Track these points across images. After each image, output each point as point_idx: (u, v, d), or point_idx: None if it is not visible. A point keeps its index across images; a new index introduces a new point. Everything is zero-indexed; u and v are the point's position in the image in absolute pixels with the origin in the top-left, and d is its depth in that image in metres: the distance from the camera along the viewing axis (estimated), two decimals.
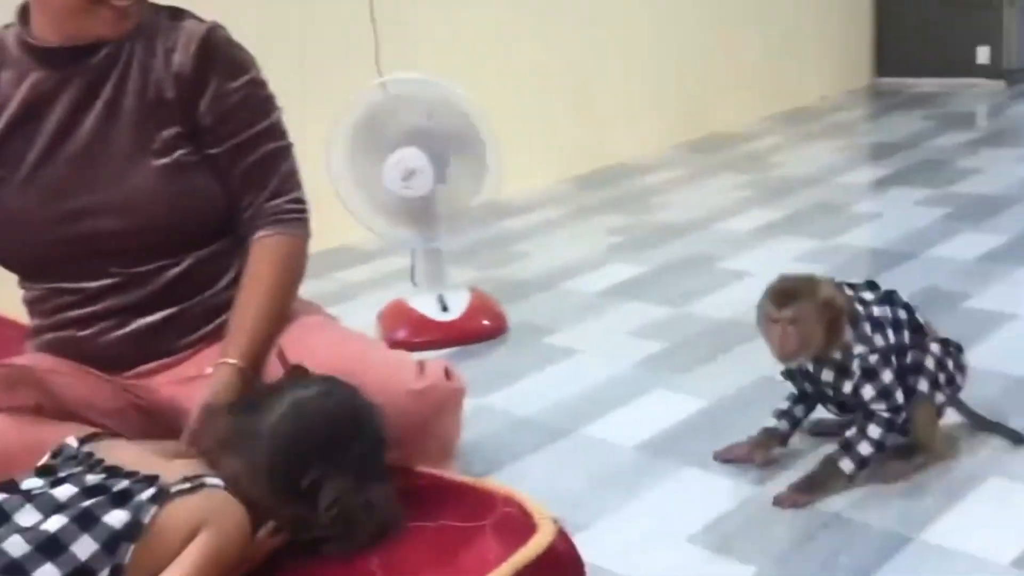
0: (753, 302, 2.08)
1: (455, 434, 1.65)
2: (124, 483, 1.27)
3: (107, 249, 1.60)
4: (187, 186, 1.61)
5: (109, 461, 1.33)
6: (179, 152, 1.60)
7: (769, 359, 2.09)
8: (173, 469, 1.33)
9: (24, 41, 1.61)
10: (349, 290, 3.56)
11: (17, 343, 2.08)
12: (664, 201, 4.43)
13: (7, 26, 1.66)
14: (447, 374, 1.61)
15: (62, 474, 1.31)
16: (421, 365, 1.59)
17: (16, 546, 1.19)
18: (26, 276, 1.70)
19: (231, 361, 1.52)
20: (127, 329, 1.64)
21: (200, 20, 1.64)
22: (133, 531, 1.22)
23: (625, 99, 5.13)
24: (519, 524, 1.37)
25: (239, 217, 1.65)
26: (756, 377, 2.58)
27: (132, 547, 1.22)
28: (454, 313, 3.10)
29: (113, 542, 1.21)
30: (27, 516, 1.23)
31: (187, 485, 1.29)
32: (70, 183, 1.59)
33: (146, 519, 1.23)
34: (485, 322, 3.12)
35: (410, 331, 3.06)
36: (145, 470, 1.31)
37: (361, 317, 3.10)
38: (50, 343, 1.68)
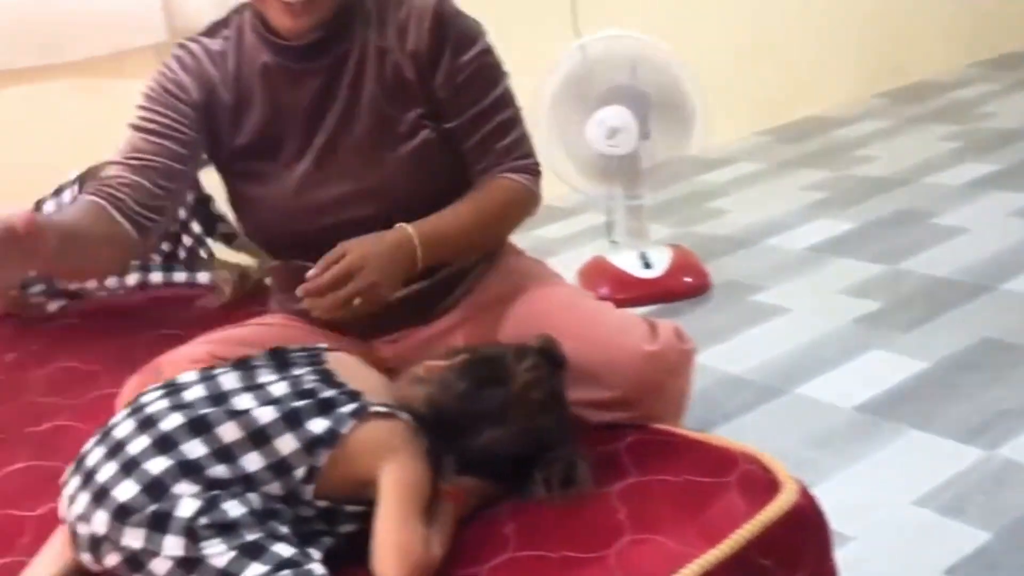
0: (971, 260, 1.99)
1: (685, 395, 1.64)
2: (331, 392, 1.35)
3: (357, 233, 1.61)
4: (433, 166, 1.63)
5: (330, 366, 1.41)
6: (423, 133, 1.61)
7: (992, 320, 2.00)
8: (377, 392, 1.40)
9: (260, 32, 1.62)
10: (546, 246, 3.59)
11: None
12: (867, 154, 4.28)
13: (240, 9, 1.67)
14: (678, 336, 1.60)
15: (293, 372, 1.39)
16: (652, 326, 1.59)
17: (229, 431, 1.29)
18: (273, 254, 1.79)
19: (407, 227, 1.53)
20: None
21: None
22: (331, 439, 1.30)
23: (821, 48, 4.95)
24: (763, 482, 1.37)
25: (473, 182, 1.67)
26: (977, 339, 2.48)
27: (329, 453, 1.30)
28: (656, 270, 3.10)
29: (312, 445, 1.30)
30: (243, 401, 1.33)
31: (384, 409, 1.35)
32: (321, 175, 1.63)
33: (344, 430, 1.31)
34: (688, 279, 3.10)
35: (612, 288, 3.07)
36: (354, 384, 1.37)
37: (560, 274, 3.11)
38: (295, 310, 1.74)
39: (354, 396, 1.35)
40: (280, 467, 1.29)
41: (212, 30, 1.68)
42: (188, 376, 1.40)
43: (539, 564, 1.28)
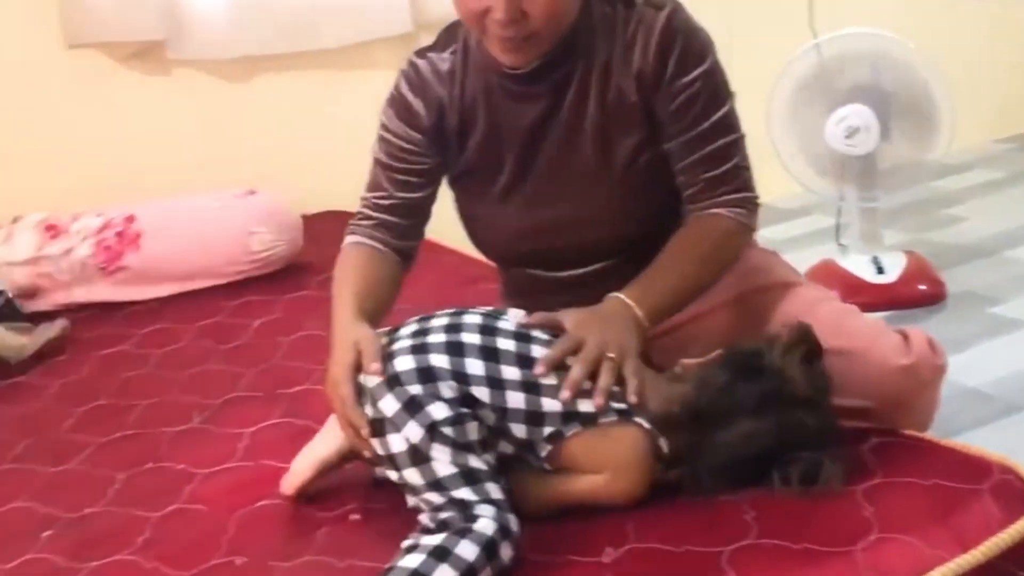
0: None
1: (934, 409, 1.58)
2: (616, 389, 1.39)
3: (576, 255, 1.66)
4: (652, 192, 1.60)
5: None
6: (643, 157, 1.58)
7: None
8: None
9: (485, 51, 1.55)
10: (771, 247, 3.52)
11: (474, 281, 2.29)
12: None
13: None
14: (932, 348, 1.54)
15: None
16: (904, 336, 1.54)
17: (511, 371, 1.38)
18: (499, 265, 1.83)
19: (623, 298, 1.48)
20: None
21: (655, 4, 1.54)
22: (588, 421, 1.38)
23: None
24: (1020, 492, 1.32)
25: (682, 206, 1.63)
26: None
27: (577, 429, 1.38)
28: (890, 276, 2.99)
29: (569, 417, 1.38)
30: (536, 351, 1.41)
31: (647, 426, 1.38)
32: (541, 197, 1.63)
33: (603, 421, 1.38)
34: (922, 287, 2.99)
35: (842, 292, 2.92)
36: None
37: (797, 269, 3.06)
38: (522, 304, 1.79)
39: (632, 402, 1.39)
40: (534, 417, 1.36)
41: (442, 42, 1.64)
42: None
43: (780, 553, 1.28)
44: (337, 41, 3.19)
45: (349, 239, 1.68)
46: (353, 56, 3.25)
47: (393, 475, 1.36)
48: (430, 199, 1.69)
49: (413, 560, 1.24)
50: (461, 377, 1.36)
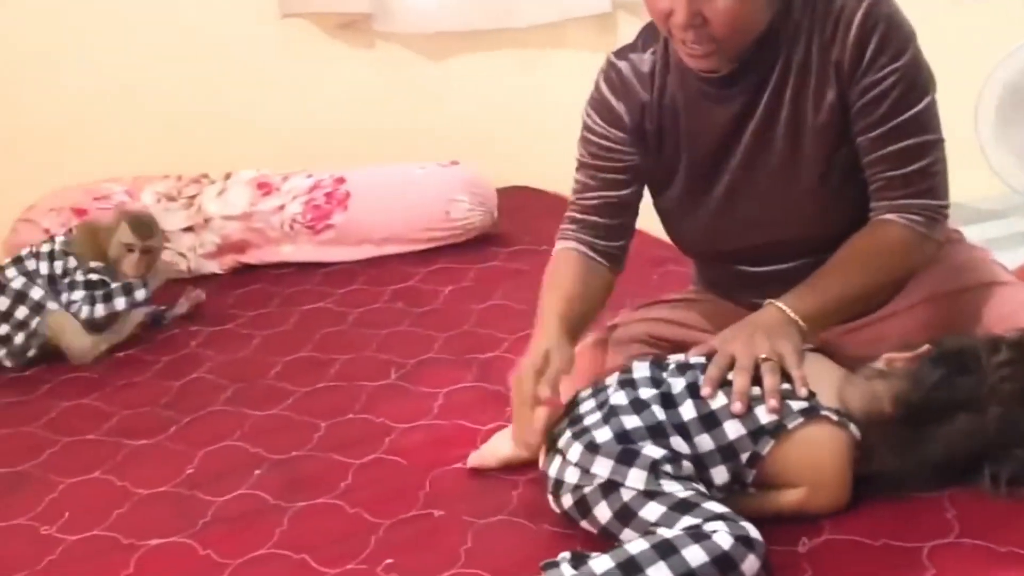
0: None
1: None
2: (786, 385, 1.37)
3: (770, 253, 1.63)
4: (846, 191, 1.54)
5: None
6: (837, 155, 1.52)
7: None
8: (834, 388, 1.41)
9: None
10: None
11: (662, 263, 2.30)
12: None
13: None
14: None
15: None
16: None
17: (688, 409, 1.38)
18: (694, 258, 1.82)
19: (777, 304, 1.46)
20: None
21: None
22: (776, 431, 1.35)
23: None
24: None
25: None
26: None
27: (772, 444, 1.34)
28: None
29: (758, 434, 1.35)
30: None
31: (836, 417, 1.35)
32: (734, 196, 1.59)
33: (790, 425, 1.34)
34: None
35: None
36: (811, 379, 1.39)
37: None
38: (720, 295, 1.77)
39: (807, 394, 1.38)
40: (727, 452, 1.36)
41: (642, 42, 1.61)
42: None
43: (983, 554, 1.25)
44: (536, 19, 3.25)
45: (559, 245, 1.69)
46: (549, 35, 3.30)
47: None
48: (636, 196, 1.68)
49: (636, 545, 1.26)
50: (655, 430, 1.37)
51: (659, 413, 1.39)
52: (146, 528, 1.59)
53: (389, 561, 1.43)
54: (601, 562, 1.25)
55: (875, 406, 1.38)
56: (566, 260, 1.65)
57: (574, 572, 1.24)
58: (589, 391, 1.49)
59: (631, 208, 1.68)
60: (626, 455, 1.35)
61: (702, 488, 1.35)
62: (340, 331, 2.31)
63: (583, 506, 1.38)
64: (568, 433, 1.42)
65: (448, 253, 2.70)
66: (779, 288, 1.53)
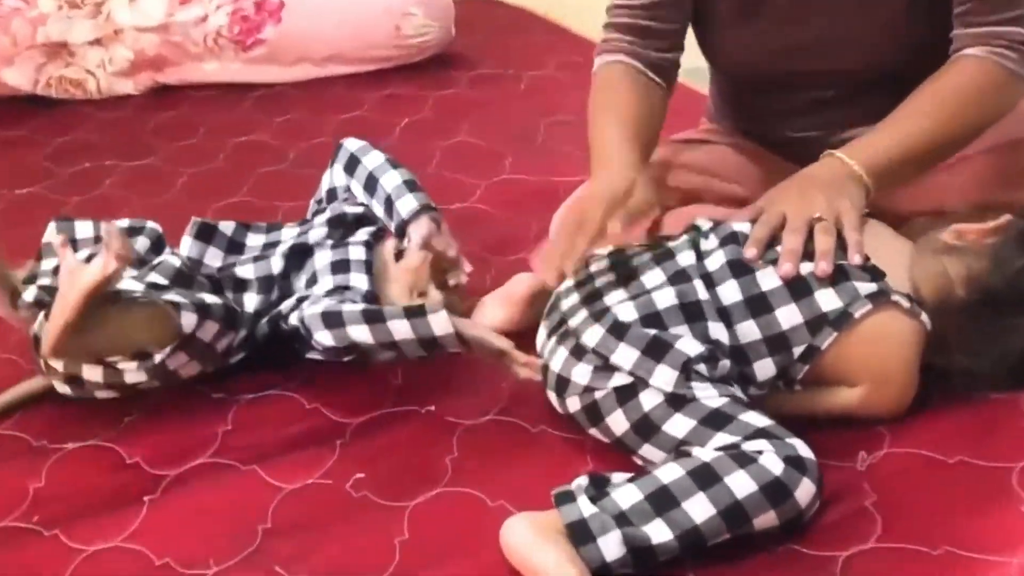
0: None
1: None
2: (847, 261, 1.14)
3: (823, 80, 1.39)
4: (932, 22, 1.31)
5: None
6: None
7: None
8: (899, 267, 1.17)
9: None
10: None
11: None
12: None
13: None
14: None
15: None
16: None
17: (731, 290, 1.16)
18: (730, 87, 1.55)
19: (838, 155, 1.25)
20: (836, 139, 1.44)
21: None
22: (840, 321, 1.12)
23: None
24: None
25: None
26: None
27: (835, 335, 1.12)
28: None
29: (818, 323, 1.12)
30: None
31: (907, 304, 1.12)
32: (789, 14, 1.35)
33: (857, 313, 1.12)
34: None
35: None
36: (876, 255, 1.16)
37: None
38: (743, 129, 1.53)
39: (876, 274, 1.14)
40: (777, 342, 1.13)
41: None
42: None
43: None
44: None
45: (604, 59, 1.42)
46: None
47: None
48: (683, 5, 1.40)
49: (668, 472, 1.02)
50: (690, 311, 1.14)
51: (700, 289, 1.14)
52: None
53: (359, 475, 1.18)
54: (626, 493, 1.02)
55: (945, 288, 1.15)
56: (618, 77, 1.39)
57: (595, 510, 1.00)
58: (605, 257, 1.24)
59: (684, 8, 1.40)
60: (655, 346, 1.10)
61: (738, 392, 1.12)
62: (280, 172, 2.00)
63: (593, 412, 1.14)
64: (582, 311, 1.16)
65: (400, 77, 2.37)
66: (821, 125, 1.39)
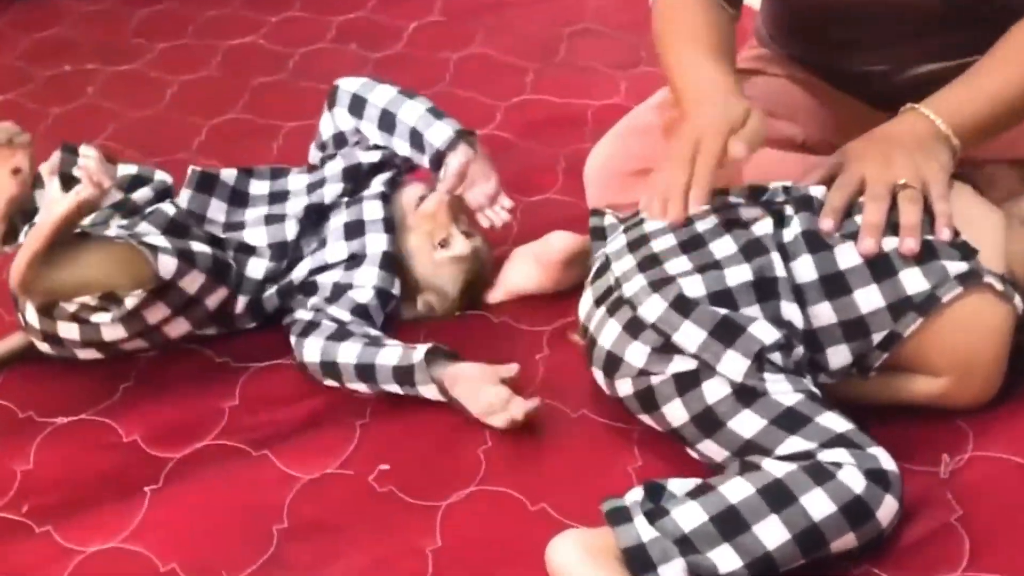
0: None
1: None
2: (934, 237, 1.01)
3: (893, 13, 1.23)
4: None
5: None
6: None
7: None
8: (992, 241, 1.04)
9: None
10: None
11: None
12: None
13: None
14: None
15: None
16: None
17: (805, 267, 1.03)
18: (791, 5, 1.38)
19: (921, 109, 1.11)
20: (903, 76, 1.29)
21: None
22: (926, 306, 0.99)
23: None
24: None
25: None
26: None
27: (920, 320, 1.00)
28: None
29: (902, 307, 1.00)
30: None
31: (1000, 286, 1.00)
32: None
33: (945, 297, 0.99)
34: None
35: None
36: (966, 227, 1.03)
37: None
38: (798, 56, 1.38)
39: (967, 251, 1.01)
40: (854, 328, 1.01)
41: None
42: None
43: None
44: None
45: None
46: None
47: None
48: None
49: (735, 489, 0.91)
50: (764, 287, 1.01)
51: (778, 264, 1.02)
52: None
53: (384, 467, 1.07)
54: (689, 513, 0.91)
55: None
56: (684, 3, 1.24)
57: (654, 533, 0.89)
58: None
59: None
60: (726, 328, 0.98)
61: (812, 387, 1.00)
62: (278, 82, 1.83)
63: (647, 399, 1.02)
64: (639, 278, 1.04)
65: None
66: (888, 59, 1.25)
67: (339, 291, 1.22)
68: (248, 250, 1.24)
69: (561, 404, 1.13)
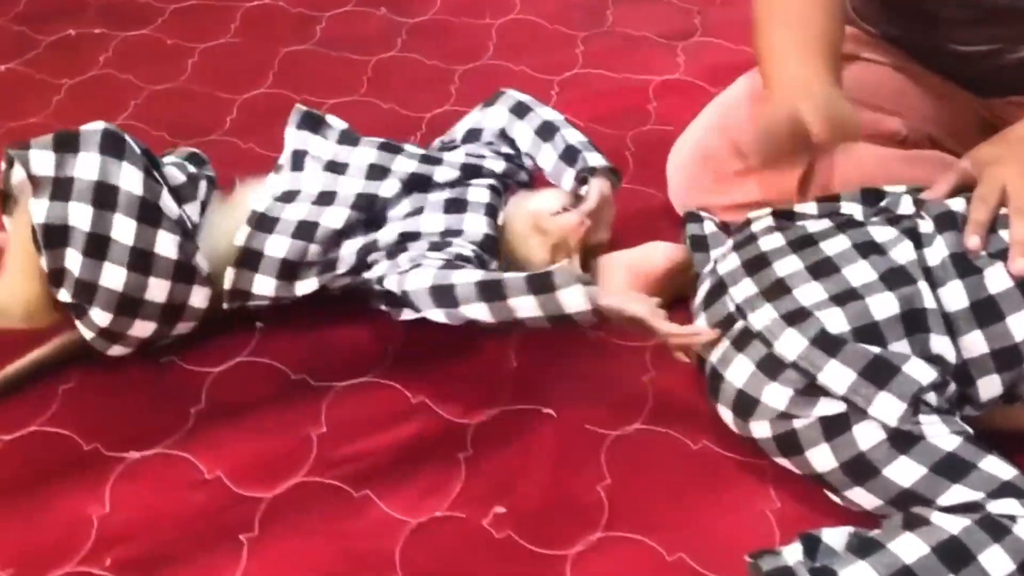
0: None
1: None
2: None
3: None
4: None
5: None
6: None
7: None
8: None
9: None
10: None
11: None
12: None
13: None
14: None
15: None
16: None
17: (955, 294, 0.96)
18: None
19: None
20: (1005, 59, 1.22)
21: None
22: None
23: None
24: None
25: None
26: None
27: None
28: None
29: None
30: None
31: None
32: None
33: None
34: None
35: None
36: None
37: None
38: (892, 35, 1.29)
39: None
40: (1007, 356, 0.95)
41: None
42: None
43: None
44: None
45: None
46: None
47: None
48: None
49: (907, 547, 0.85)
50: (914, 320, 0.94)
51: (927, 295, 0.95)
52: None
53: (499, 510, 0.99)
54: (859, 573, 0.84)
55: None
56: None
57: None
58: (772, 226, 1.04)
59: None
60: (879, 369, 0.91)
61: (968, 428, 0.93)
62: (307, 52, 1.70)
63: (789, 443, 0.96)
64: (767, 308, 0.96)
65: None
66: (993, 39, 1.18)
67: (438, 247, 1.10)
68: (327, 199, 1.15)
69: (679, 434, 1.05)
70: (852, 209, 1.08)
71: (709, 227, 1.17)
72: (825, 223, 1.04)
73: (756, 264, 1.02)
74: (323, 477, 1.03)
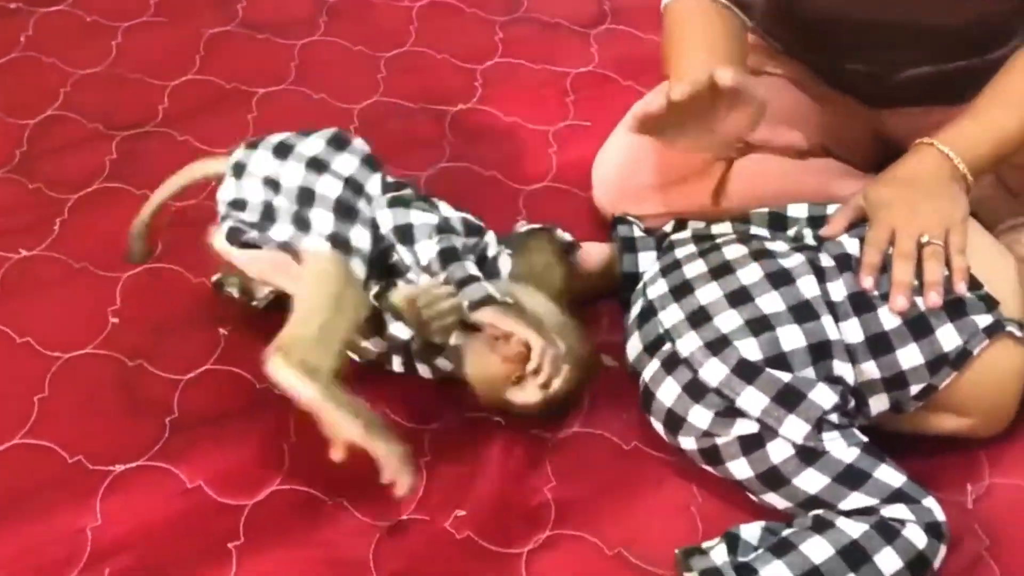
0: None
1: None
2: (966, 293, 1.11)
3: (903, 42, 1.29)
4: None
5: None
6: None
7: None
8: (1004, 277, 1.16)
9: None
10: None
11: None
12: None
13: None
14: None
15: None
16: None
17: (852, 329, 1.11)
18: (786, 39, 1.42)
19: (939, 147, 1.17)
20: (894, 79, 1.36)
21: None
22: (959, 360, 1.10)
23: None
24: None
25: None
26: None
27: (953, 374, 1.10)
28: None
29: (938, 363, 1.10)
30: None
31: (1019, 332, 1.11)
32: None
33: (976, 350, 1.10)
34: None
35: None
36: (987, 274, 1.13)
37: None
38: (804, 58, 1.43)
39: (990, 303, 1.11)
40: (895, 382, 1.10)
41: None
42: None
43: None
44: None
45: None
46: None
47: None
48: None
49: (816, 549, 1.01)
50: (820, 349, 1.09)
51: (830, 328, 1.10)
52: None
53: (460, 512, 1.12)
54: (776, 573, 1.01)
55: None
56: (695, 11, 1.26)
57: None
58: (695, 251, 1.18)
59: None
60: (788, 395, 1.07)
61: (864, 437, 1.10)
62: (231, 34, 1.73)
63: (712, 455, 1.12)
64: (692, 335, 1.11)
65: None
66: (884, 64, 1.31)
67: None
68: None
69: (613, 435, 1.19)
70: (761, 233, 1.22)
71: (638, 231, 1.30)
72: (741, 249, 1.18)
73: (681, 291, 1.15)
74: (297, 485, 1.13)
